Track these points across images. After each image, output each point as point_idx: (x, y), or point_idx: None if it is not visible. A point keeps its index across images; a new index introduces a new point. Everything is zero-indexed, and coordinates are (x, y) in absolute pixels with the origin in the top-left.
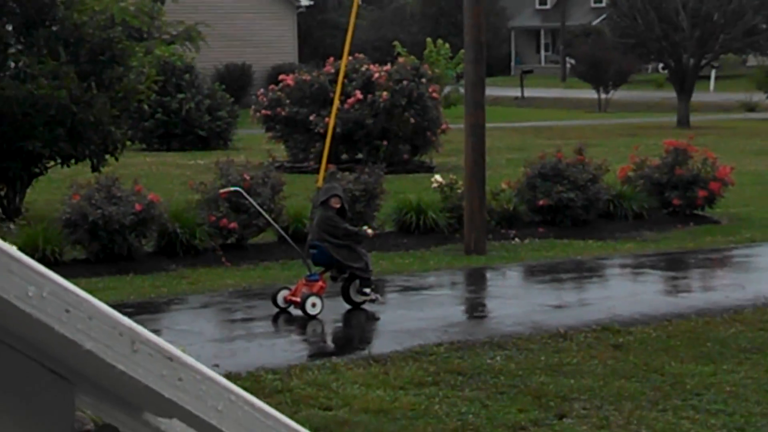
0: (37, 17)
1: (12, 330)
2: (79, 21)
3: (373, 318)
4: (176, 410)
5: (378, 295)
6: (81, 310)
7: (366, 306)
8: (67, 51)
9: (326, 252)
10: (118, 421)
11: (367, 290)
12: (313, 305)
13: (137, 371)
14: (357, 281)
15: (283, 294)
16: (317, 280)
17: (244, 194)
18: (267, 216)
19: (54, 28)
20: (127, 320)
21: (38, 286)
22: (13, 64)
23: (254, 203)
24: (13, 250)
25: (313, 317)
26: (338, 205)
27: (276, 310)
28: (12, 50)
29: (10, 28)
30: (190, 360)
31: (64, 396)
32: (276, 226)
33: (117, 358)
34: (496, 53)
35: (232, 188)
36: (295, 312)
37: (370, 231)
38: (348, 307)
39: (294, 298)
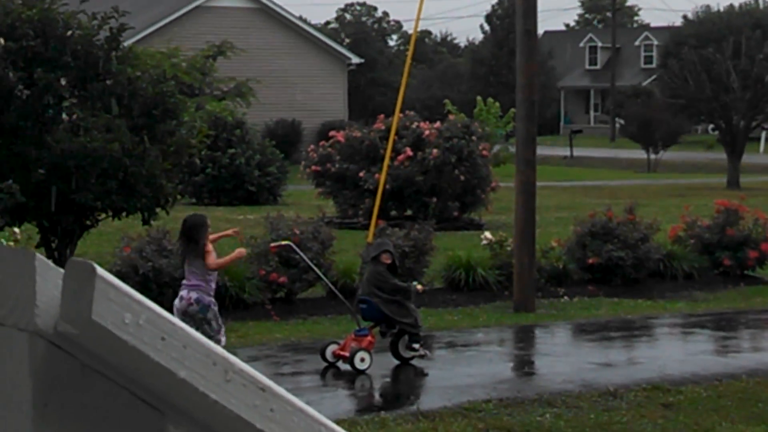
0: (92, 71)
1: (106, 358)
2: (132, 75)
3: (421, 374)
4: None
5: (427, 351)
6: (176, 338)
7: (414, 362)
8: (120, 104)
9: (376, 307)
10: None
11: (416, 345)
12: (362, 360)
13: (230, 401)
14: (406, 336)
15: (331, 348)
16: (366, 335)
17: (295, 248)
18: (317, 270)
19: (108, 82)
20: (220, 349)
21: (134, 313)
22: (66, 117)
23: (305, 258)
24: (110, 276)
25: (362, 372)
26: (389, 261)
27: (324, 364)
28: (66, 103)
29: (64, 81)
30: (281, 391)
31: (155, 427)
32: (326, 280)
33: (210, 388)
34: (546, 113)
35: (283, 242)
36: (344, 367)
37: (419, 286)
38: (396, 362)
39: (343, 353)
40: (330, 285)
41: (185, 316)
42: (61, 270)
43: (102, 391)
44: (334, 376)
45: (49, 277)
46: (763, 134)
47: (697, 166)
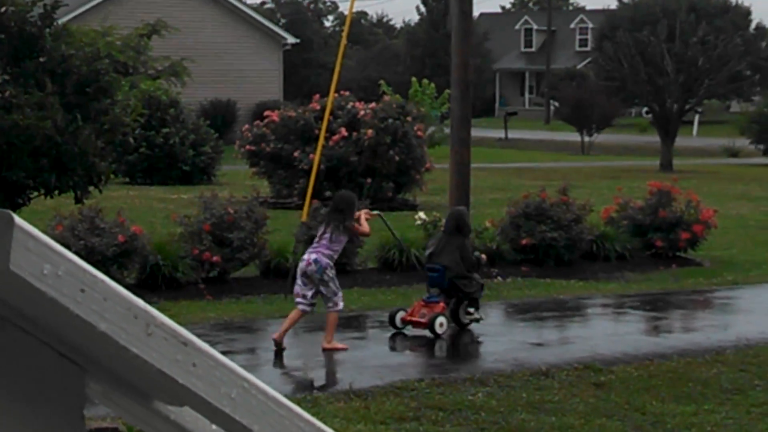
0: (25, 48)
1: (24, 311)
2: (66, 53)
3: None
4: (189, 397)
5: (482, 315)
6: (96, 291)
7: (418, 335)
8: (53, 82)
9: (445, 275)
10: (128, 411)
11: (472, 310)
12: (441, 325)
13: (151, 355)
14: (466, 303)
15: (400, 315)
16: (438, 302)
17: (384, 220)
18: (401, 241)
19: (41, 60)
20: (141, 302)
21: (54, 264)
22: None
23: (391, 227)
24: (29, 226)
25: (440, 336)
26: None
27: (393, 330)
28: None
29: None
30: (204, 345)
31: (75, 382)
32: (404, 246)
33: (131, 341)
34: (481, 95)
35: (374, 212)
36: (412, 332)
37: (483, 256)
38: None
39: (416, 319)
40: (411, 255)
41: (304, 276)
42: None
43: (20, 346)
44: (265, 355)
45: None
46: (696, 117)
47: (631, 149)
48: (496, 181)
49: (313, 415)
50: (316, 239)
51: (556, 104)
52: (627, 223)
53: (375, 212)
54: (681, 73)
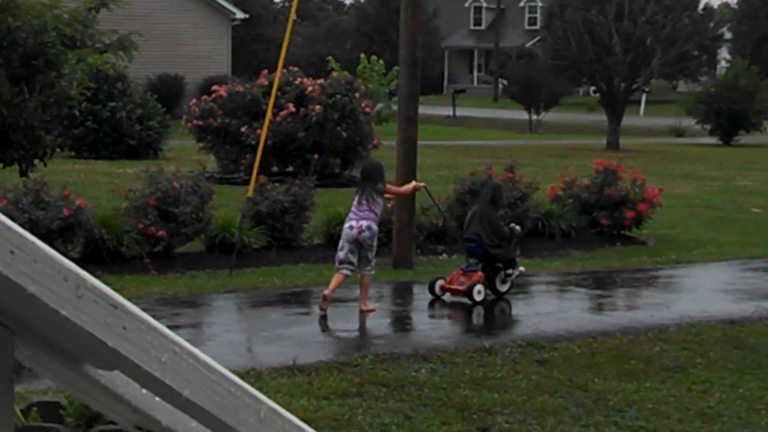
0: None
1: None
2: (13, 25)
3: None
4: (119, 361)
5: (522, 268)
6: (26, 252)
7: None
8: None
9: (482, 245)
10: (57, 375)
11: (510, 270)
12: (479, 292)
13: (81, 318)
14: (502, 273)
15: (439, 283)
16: (476, 270)
17: (429, 192)
18: (441, 211)
19: None
20: (72, 265)
21: None
22: None
23: (433, 199)
24: None
25: (478, 303)
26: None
27: (431, 297)
28: None
29: None
30: (135, 309)
31: (3, 345)
32: (447, 221)
33: (61, 303)
34: (430, 72)
35: (420, 184)
36: (450, 299)
37: (518, 227)
38: (274, 316)
39: (453, 287)
40: (447, 222)
41: (354, 243)
42: None
43: None
44: (208, 330)
45: None
46: (644, 97)
47: (578, 128)
48: (444, 158)
49: (256, 389)
50: (356, 207)
51: (505, 82)
52: (573, 202)
53: (421, 184)
54: (629, 52)
